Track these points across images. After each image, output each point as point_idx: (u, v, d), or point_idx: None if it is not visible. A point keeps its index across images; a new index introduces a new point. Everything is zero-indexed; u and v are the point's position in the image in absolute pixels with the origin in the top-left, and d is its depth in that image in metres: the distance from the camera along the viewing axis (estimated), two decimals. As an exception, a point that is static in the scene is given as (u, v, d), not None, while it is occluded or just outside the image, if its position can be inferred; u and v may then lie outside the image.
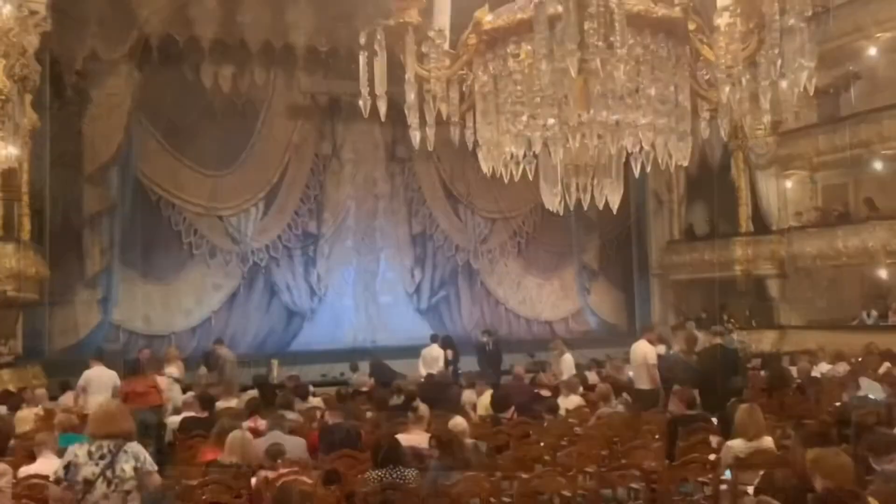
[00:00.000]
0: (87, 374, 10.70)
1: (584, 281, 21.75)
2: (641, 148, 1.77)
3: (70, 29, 16.01)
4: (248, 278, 18.80)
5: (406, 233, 20.35)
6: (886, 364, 12.25)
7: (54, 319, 16.66)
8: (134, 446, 4.97)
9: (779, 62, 1.64)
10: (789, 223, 18.89)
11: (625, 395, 10.97)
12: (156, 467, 5.09)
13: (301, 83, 19.23)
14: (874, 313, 16.99)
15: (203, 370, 13.33)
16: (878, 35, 17.00)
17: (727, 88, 1.65)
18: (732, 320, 17.75)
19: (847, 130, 16.96)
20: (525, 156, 1.77)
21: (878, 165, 17.47)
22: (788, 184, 19.23)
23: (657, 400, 10.75)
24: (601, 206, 1.89)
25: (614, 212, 2.02)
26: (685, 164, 1.84)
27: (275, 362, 15.25)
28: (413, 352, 14.85)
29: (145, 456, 4.97)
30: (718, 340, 10.48)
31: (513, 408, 9.14)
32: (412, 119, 1.98)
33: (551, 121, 1.61)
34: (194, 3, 17.20)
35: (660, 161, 1.82)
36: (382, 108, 1.97)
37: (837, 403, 9.47)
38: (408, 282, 20.25)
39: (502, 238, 21.17)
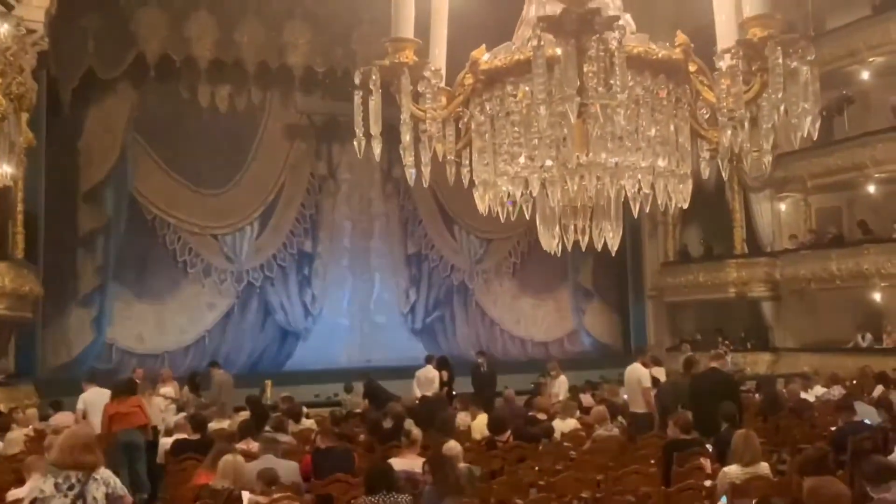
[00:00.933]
0: (83, 397, 10.61)
1: (578, 302, 21.74)
2: (640, 189, 1.77)
3: (67, 48, 16.09)
4: (242, 298, 18.75)
5: (401, 253, 20.34)
6: (880, 387, 12.24)
7: (47, 338, 16.58)
8: (104, 472, 4.85)
9: (782, 107, 1.64)
10: (783, 245, 18.96)
11: (620, 418, 10.93)
12: (125, 491, 4.98)
13: (297, 103, 19.30)
14: (868, 336, 17.02)
15: (186, 390, 13.21)
16: (871, 59, 17.19)
17: (729, 132, 1.65)
18: (727, 342, 17.77)
19: (841, 154, 17.07)
20: (522, 194, 1.76)
21: (871, 188, 17.57)
22: (782, 206, 19.33)
23: (652, 424, 10.72)
24: (599, 248, 1.89)
25: (613, 254, 2.01)
26: (685, 206, 1.83)
27: (269, 383, 15.16)
28: (408, 372, 14.77)
29: (115, 481, 4.87)
30: (715, 364, 10.44)
31: (509, 431, 9.10)
32: (407, 159, 1.97)
33: (549, 162, 1.60)
34: (191, 23, 17.32)
35: (659, 203, 1.81)
36: (377, 148, 1.96)
37: (833, 428, 9.45)
38: (403, 302, 20.22)
39: (497, 258, 21.16)
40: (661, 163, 1.74)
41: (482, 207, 1.94)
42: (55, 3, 14.02)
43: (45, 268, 15.57)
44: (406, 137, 1.92)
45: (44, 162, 15.54)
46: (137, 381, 12.51)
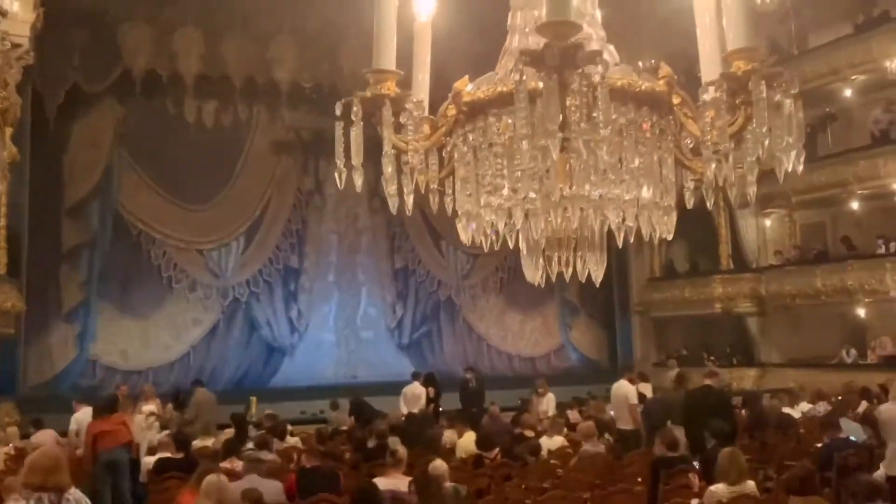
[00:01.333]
0: (76, 417, 10.53)
1: (565, 317, 21.75)
2: (624, 220, 1.76)
3: (53, 62, 16.03)
4: (227, 313, 18.65)
5: (388, 268, 20.30)
6: (865, 403, 12.29)
7: (29, 354, 16.41)
8: (75, 493, 4.78)
9: (766, 141, 1.64)
10: (769, 261, 19.06)
11: (607, 435, 10.91)
12: None
13: (284, 118, 19.30)
14: (853, 352, 17.10)
15: (170, 407, 13.09)
16: (853, 77, 17.37)
17: (713, 165, 1.65)
18: (713, 358, 17.81)
19: (824, 170, 17.22)
20: (506, 224, 1.75)
21: (854, 205, 17.72)
22: (767, 222, 19.45)
23: (639, 441, 10.71)
24: (583, 280, 1.88)
25: (597, 285, 2.00)
26: (669, 237, 1.83)
27: (253, 399, 15.02)
28: (394, 388, 14.71)
29: (87, 501, 4.81)
30: (709, 381, 10.44)
31: (497, 449, 9.06)
32: (390, 188, 1.96)
33: (532, 194, 1.60)
34: (178, 39, 17.30)
35: (644, 235, 1.81)
36: (359, 180, 1.95)
37: (819, 445, 9.47)
38: (389, 317, 20.17)
39: (484, 274, 21.16)
40: (646, 195, 1.74)
41: (465, 238, 1.92)
42: (41, 18, 13.98)
43: (28, 283, 15.43)
44: (388, 169, 1.91)
45: (28, 177, 15.45)
46: (120, 397, 12.42)
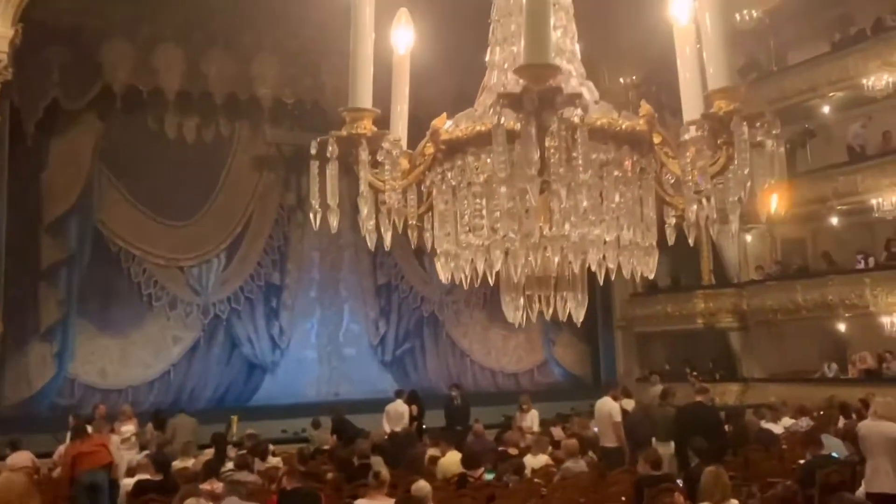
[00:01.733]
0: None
1: (548, 333, 21.72)
2: (605, 259, 1.74)
3: (32, 78, 15.88)
4: (208, 331, 18.46)
5: (371, 284, 20.20)
6: (843, 419, 12.36)
7: (6, 373, 16.18)
8: None
9: (748, 184, 1.63)
10: (750, 276, 19.19)
11: (591, 453, 10.87)
12: None
13: (266, 134, 19.22)
14: (834, 366, 17.22)
15: (150, 427, 12.94)
16: (831, 94, 17.59)
17: (695, 206, 1.63)
18: (695, 373, 17.84)
19: (804, 186, 17.38)
20: (486, 260, 1.72)
21: (834, 220, 17.90)
22: (748, 238, 19.58)
23: (623, 458, 10.69)
24: (564, 319, 1.85)
25: (578, 325, 1.98)
26: (651, 276, 1.81)
27: (234, 418, 14.89)
28: (377, 405, 14.63)
29: None
30: (700, 398, 10.45)
31: (482, 469, 9.00)
32: (367, 226, 1.93)
33: (512, 234, 1.57)
34: (159, 55, 17.21)
35: (625, 274, 1.79)
36: (334, 221, 1.92)
37: (801, 461, 9.49)
38: (372, 334, 20.06)
39: (468, 289, 21.06)
40: (627, 235, 1.72)
41: (444, 277, 1.89)
42: (20, 34, 13.86)
43: (6, 301, 15.22)
44: (364, 211, 1.88)
45: (6, 193, 15.28)
46: (98, 418, 12.26)
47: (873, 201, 16.48)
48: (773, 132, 1.67)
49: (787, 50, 18.54)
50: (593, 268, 1.74)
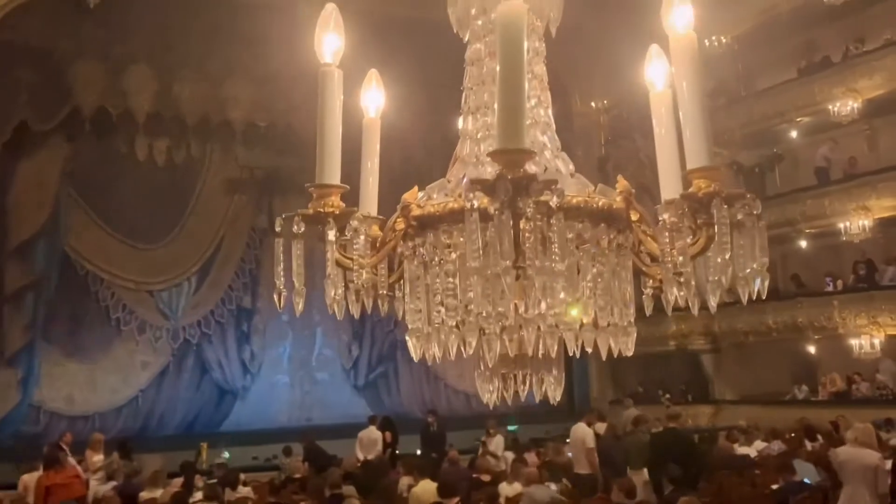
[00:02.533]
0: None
1: (522, 355, 21.69)
2: (582, 341, 1.71)
3: (0, 99, 15.66)
4: (178, 355, 18.20)
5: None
6: (808, 442, 12.47)
7: (-31, 401, 15.80)
8: None
9: (729, 269, 1.60)
10: (722, 299, 19.30)
11: (564, 480, 10.81)
12: None
13: (238, 157, 19.08)
14: (805, 388, 17.36)
15: (116, 456, 12.65)
16: (798, 119, 17.88)
17: (674, 288, 1.61)
18: (668, 396, 17.90)
19: (773, 209, 17.60)
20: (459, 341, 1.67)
21: (802, 243, 18.12)
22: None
23: (596, 485, 10.64)
24: (538, 399, 1.81)
25: (554, 403, 1.94)
26: (629, 354, 1.78)
27: (204, 445, 14.63)
28: (350, 430, 14.47)
29: None
30: (673, 424, 10.44)
31: (457, 498, 8.89)
32: (334, 306, 1.88)
33: (485, 315, 1.53)
34: (129, 76, 17.03)
35: (602, 354, 1.75)
36: (300, 304, 1.88)
37: (774, 486, 9.52)
38: (345, 357, 19.89)
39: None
40: (604, 316, 1.69)
41: (416, 356, 1.84)
42: (-13, 56, 13.69)
43: (-31, 327, 14.90)
44: (331, 293, 1.84)
45: (-30, 216, 15.01)
46: (64, 447, 11.97)
47: (840, 225, 16.72)
48: (755, 213, 1.65)
49: (756, 75, 18.83)
50: (570, 349, 1.70)
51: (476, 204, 1.44)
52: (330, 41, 1.83)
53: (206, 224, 18.69)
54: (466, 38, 1.85)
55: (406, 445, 14.70)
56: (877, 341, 16.20)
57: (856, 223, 16.45)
